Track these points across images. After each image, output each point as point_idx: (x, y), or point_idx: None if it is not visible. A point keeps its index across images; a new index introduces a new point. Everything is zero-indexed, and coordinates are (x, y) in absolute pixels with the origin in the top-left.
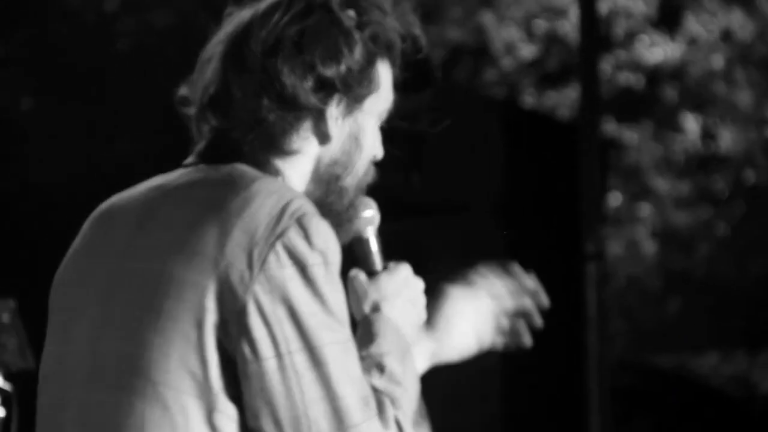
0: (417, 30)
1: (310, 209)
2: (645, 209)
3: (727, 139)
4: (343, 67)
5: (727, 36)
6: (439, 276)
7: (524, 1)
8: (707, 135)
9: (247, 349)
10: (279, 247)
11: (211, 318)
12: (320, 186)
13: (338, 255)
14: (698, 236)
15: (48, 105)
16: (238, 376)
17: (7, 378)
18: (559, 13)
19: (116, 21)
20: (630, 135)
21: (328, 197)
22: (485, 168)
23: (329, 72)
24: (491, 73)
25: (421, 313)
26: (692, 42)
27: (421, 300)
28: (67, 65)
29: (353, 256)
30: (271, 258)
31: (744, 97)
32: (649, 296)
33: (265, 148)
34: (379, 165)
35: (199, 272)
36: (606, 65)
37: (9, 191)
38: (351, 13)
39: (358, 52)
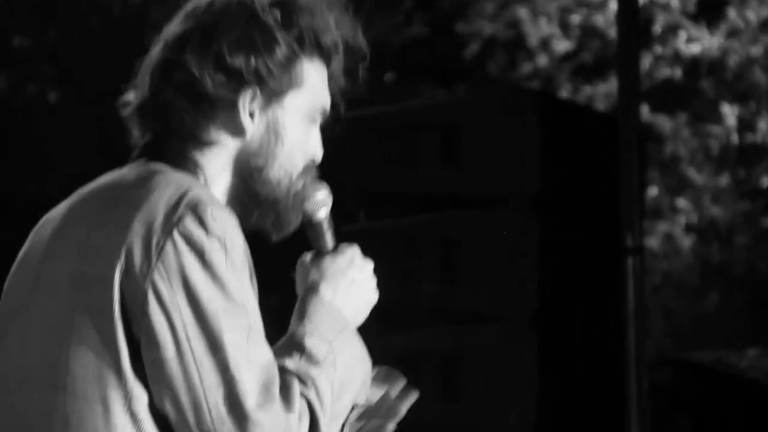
0: (356, 36)
1: (207, 197)
2: (682, 202)
3: (764, 129)
4: (253, 60)
5: (766, 24)
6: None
7: None
8: (745, 126)
9: (147, 337)
10: (176, 235)
11: (117, 309)
12: (242, 177)
13: (239, 241)
14: (737, 229)
15: (74, 99)
16: None
17: None
18: (595, 6)
19: (145, 13)
20: (664, 123)
21: (253, 188)
22: (522, 160)
23: (237, 62)
24: (526, 66)
25: (371, 294)
26: (732, 33)
27: (370, 281)
28: (94, 58)
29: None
30: (168, 246)
31: None
32: (686, 292)
33: (182, 142)
34: (414, 159)
35: (102, 266)
36: (644, 60)
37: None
38: (276, 12)
39: (277, 48)
